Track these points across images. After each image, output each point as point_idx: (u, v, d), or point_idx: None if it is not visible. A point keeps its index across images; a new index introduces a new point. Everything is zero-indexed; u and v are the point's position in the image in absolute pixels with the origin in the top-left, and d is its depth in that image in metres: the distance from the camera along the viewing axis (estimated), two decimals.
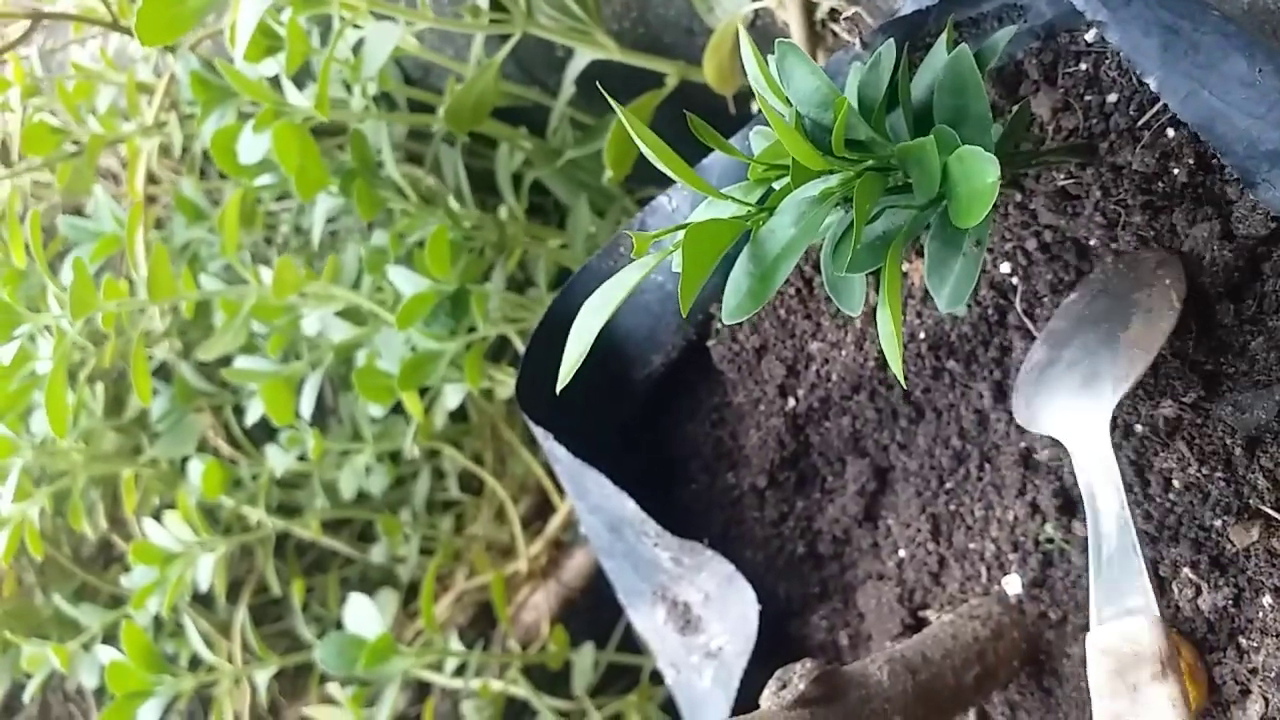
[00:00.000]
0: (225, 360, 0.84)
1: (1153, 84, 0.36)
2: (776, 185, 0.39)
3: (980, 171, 0.32)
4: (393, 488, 0.98)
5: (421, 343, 0.70)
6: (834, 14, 0.64)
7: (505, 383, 0.84)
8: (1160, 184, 0.42)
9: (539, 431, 0.54)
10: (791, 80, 0.37)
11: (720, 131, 0.71)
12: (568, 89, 0.72)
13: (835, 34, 0.65)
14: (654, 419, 0.59)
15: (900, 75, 0.39)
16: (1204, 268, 0.41)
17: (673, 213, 0.52)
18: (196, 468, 0.85)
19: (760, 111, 0.45)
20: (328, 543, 0.97)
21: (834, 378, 0.53)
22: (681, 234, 0.36)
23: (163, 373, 0.97)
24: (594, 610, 0.93)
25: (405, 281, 0.67)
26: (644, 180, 0.80)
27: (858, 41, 0.44)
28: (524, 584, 0.97)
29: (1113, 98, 0.43)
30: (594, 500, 0.54)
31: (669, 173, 0.38)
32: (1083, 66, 0.44)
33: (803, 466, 0.55)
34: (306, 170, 0.68)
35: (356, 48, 0.70)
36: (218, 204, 0.91)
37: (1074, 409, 0.41)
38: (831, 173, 0.37)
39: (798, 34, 0.64)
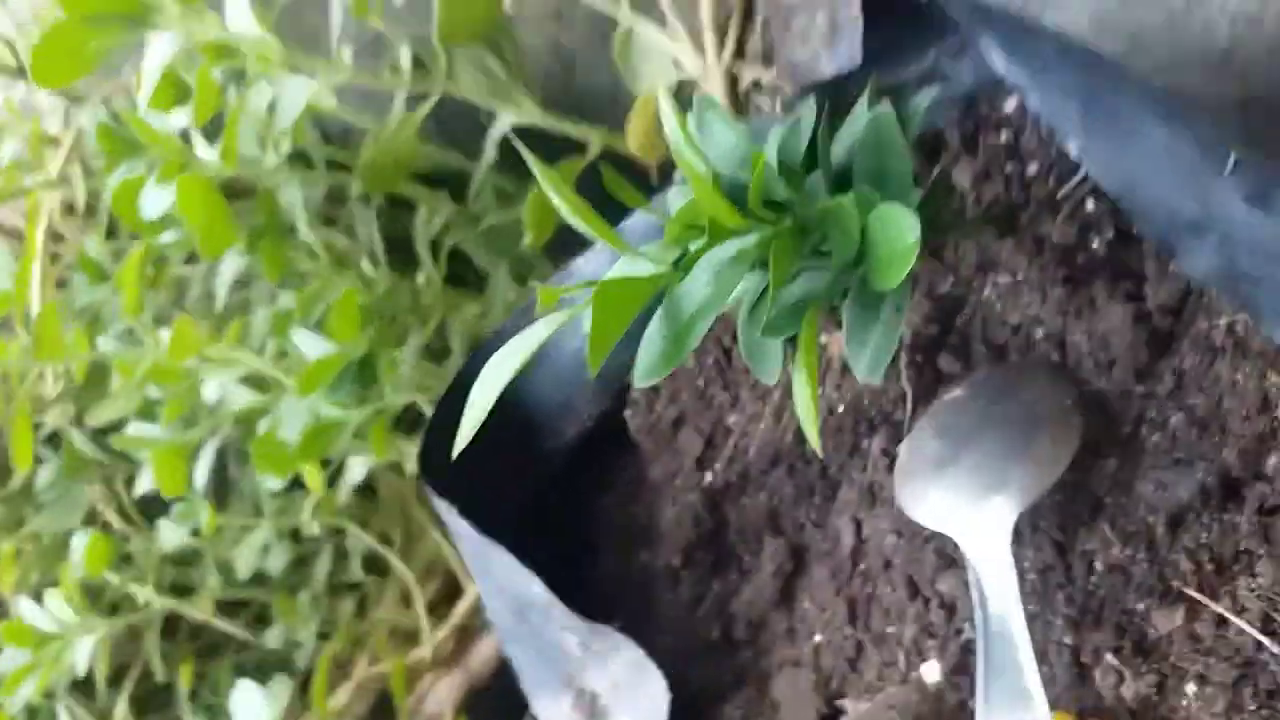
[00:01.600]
0: (120, 427, 0.80)
1: (1073, 150, 0.35)
2: (693, 246, 0.38)
3: (900, 231, 0.31)
4: (293, 567, 0.94)
5: (325, 411, 0.67)
6: (757, 85, 0.63)
7: (415, 455, 0.81)
8: (1080, 256, 0.41)
9: (441, 505, 0.51)
10: (710, 137, 0.36)
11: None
12: (489, 153, 0.71)
13: (759, 107, 0.64)
14: (566, 493, 0.57)
15: (820, 135, 0.38)
16: (1122, 344, 0.40)
17: (593, 275, 0.50)
18: (80, 542, 0.79)
19: (679, 174, 0.43)
20: (221, 625, 0.92)
21: (752, 452, 0.51)
22: (592, 291, 0.34)
23: (55, 441, 0.92)
24: (501, 699, 0.88)
25: (309, 345, 0.64)
26: (567, 249, 0.79)
27: (779, 107, 0.44)
28: (428, 672, 0.92)
29: (1033, 169, 0.43)
30: (499, 581, 0.51)
31: (586, 232, 0.37)
32: (1003, 137, 0.44)
33: (719, 545, 0.53)
34: (213, 228, 0.65)
35: (273, 105, 0.68)
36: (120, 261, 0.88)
37: (975, 514, 0.40)
38: (749, 232, 0.36)
39: (721, 102, 0.64)
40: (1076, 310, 0.41)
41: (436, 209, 0.76)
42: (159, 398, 0.76)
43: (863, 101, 0.38)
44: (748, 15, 0.62)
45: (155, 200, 0.65)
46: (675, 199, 0.41)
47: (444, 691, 0.92)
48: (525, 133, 0.69)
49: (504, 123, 0.68)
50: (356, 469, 0.74)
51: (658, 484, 0.54)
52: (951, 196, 0.44)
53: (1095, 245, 0.41)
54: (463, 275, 0.86)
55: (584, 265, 0.50)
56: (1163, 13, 0.50)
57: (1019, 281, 0.43)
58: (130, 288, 0.69)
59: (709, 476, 0.52)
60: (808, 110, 0.37)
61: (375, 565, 0.99)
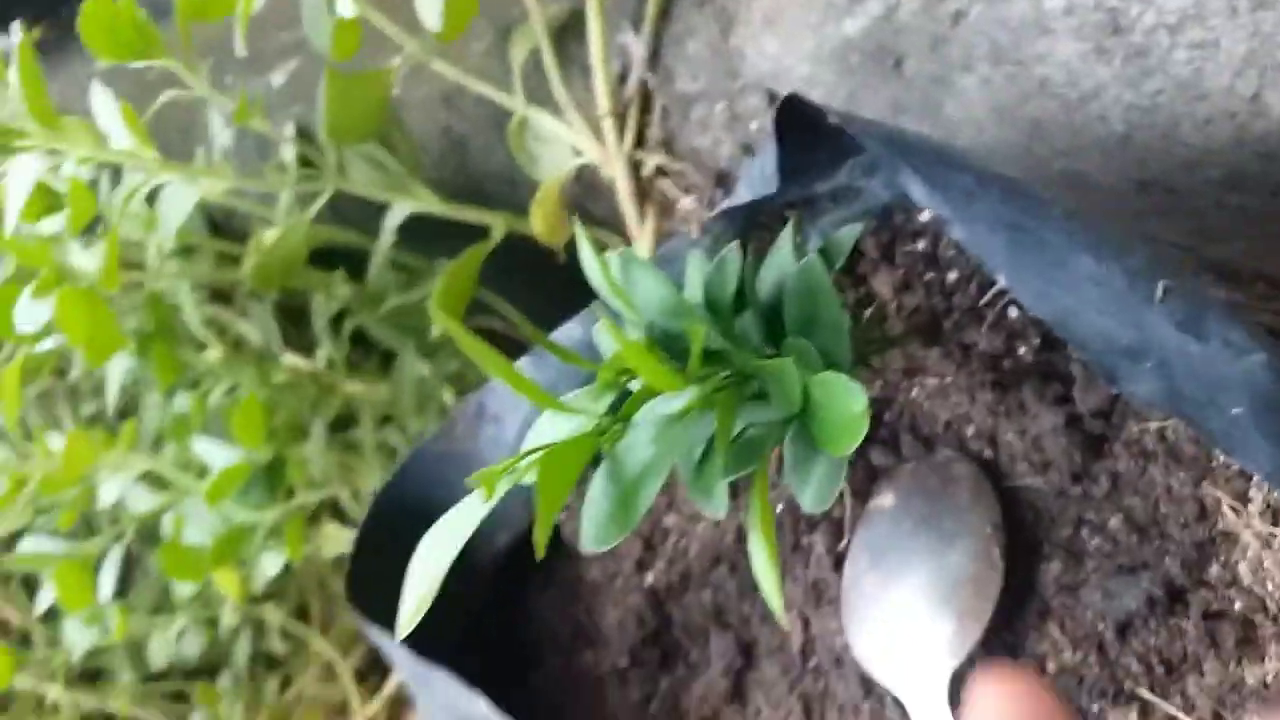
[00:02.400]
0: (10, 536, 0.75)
1: (1002, 280, 0.35)
2: (632, 386, 0.37)
3: (846, 401, 0.31)
4: (210, 647, 0.90)
5: (235, 514, 0.64)
6: (661, 171, 0.63)
7: (331, 538, 0.78)
8: (1006, 361, 0.42)
9: (375, 634, 0.49)
10: (637, 289, 0.36)
11: (555, 289, 0.69)
12: (387, 238, 0.69)
13: (664, 191, 0.64)
14: (504, 599, 0.56)
15: (745, 274, 0.37)
16: (1055, 448, 0.41)
17: (511, 393, 0.49)
18: None
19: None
20: (139, 715, 0.88)
21: (692, 551, 0.51)
22: (532, 459, 0.33)
23: None
24: None
25: (214, 454, 0.62)
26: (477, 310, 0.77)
27: (694, 228, 0.43)
28: None
29: (953, 275, 0.43)
30: (440, 699, 0.50)
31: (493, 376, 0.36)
32: (920, 245, 0.44)
33: (665, 643, 0.52)
34: (97, 338, 0.62)
35: (152, 196, 0.65)
36: None
37: (911, 670, 0.41)
38: (687, 388, 0.35)
39: (624, 188, 0.63)
40: (1006, 412, 0.42)
41: (333, 292, 0.74)
42: (52, 504, 0.72)
43: (785, 237, 0.38)
44: (645, 104, 0.61)
45: (32, 314, 0.61)
46: (603, 336, 0.40)
47: None
48: (424, 218, 0.67)
49: (400, 212, 0.65)
50: (270, 565, 0.71)
51: (597, 584, 0.53)
52: (873, 311, 0.44)
53: (1022, 351, 0.42)
54: (366, 350, 0.84)
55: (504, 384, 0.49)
56: (1058, 103, 0.51)
57: (947, 384, 0.43)
58: (11, 400, 0.65)
59: (650, 577, 0.52)
60: (732, 253, 0.36)
61: (297, 637, 0.96)
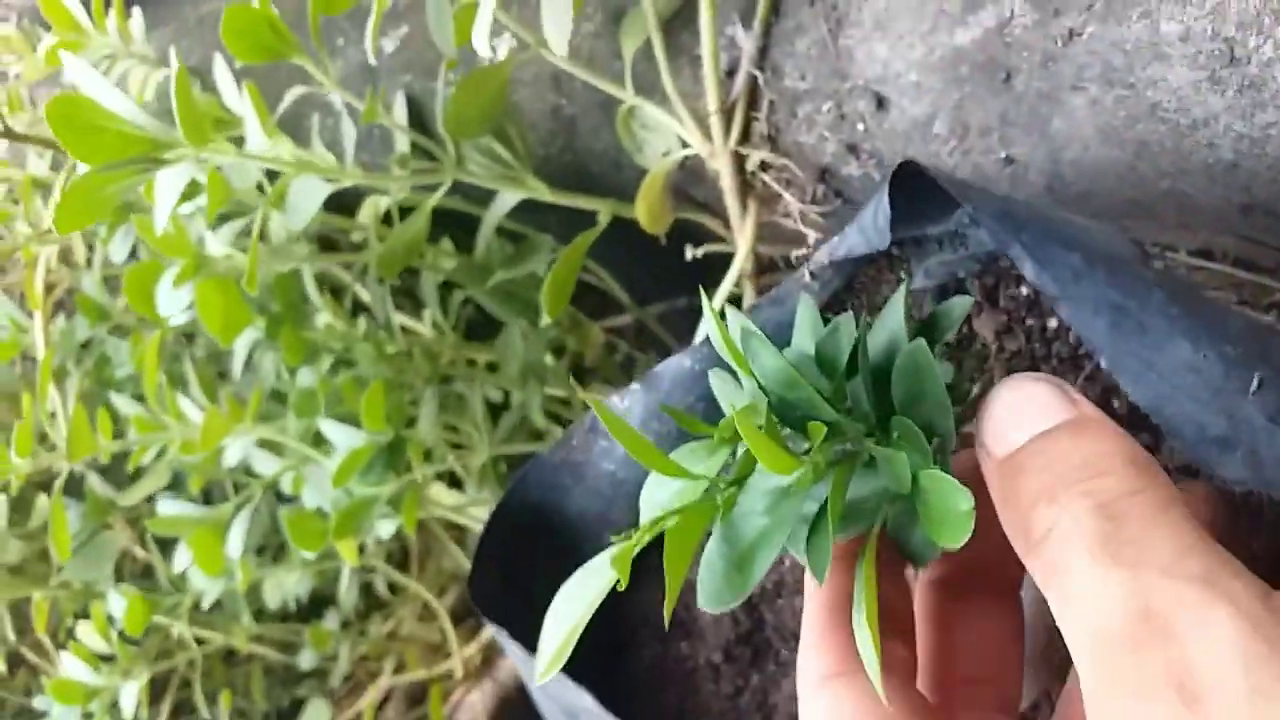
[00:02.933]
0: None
1: (1103, 362, 0.37)
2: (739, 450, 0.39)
3: (954, 499, 0.33)
4: (320, 586, 0.97)
5: (356, 488, 0.69)
6: (764, 165, 0.64)
7: (436, 498, 0.83)
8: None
9: (495, 629, 0.53)
10: (756, 360, 0.38)
11: (655, 265, 0.70)
12: (494, 221, 0.71)
13: (765, 183, 0.65)
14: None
15: (859, 336, 0.39)
16: None
17: (624, 412, 0.52)
18: (118, 602, 0.82)
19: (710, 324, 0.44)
20: (255, 650, 0.95)
21: (787, 561, 0.53)
22: (653, 530, 0.36)
23: (71, 488, 0.93)
24: (532, 710, 0.92)
25: (340, 436, 0.66)
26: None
27: (807, 272, 0.45)
28: (459, 685, 0.96)
29: (1054, 323, 0.45)
30: (551, 692, 0.54)
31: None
32: (1024, 290, 0.45)
33: (758, 641, 0.56)
34: (230, 322, 0.66)
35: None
36: (118, 294, 0.88)
37: None
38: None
39: (728, 183, 0.65)
40: None
41: (439, 265, 0.77)
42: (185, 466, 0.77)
43: (897, 302, 0.39)
44: (752, 98, 0.62)
45: (172, 300, 0.65)
46: (717, 384, 0.42)
47: (476, 703, 0.96)
48: (532, 201, 0.69)
49: (510, 200, 0.68)
50: (385, 530, 0.76)
51: (693, 582, 0.57)
52: (973, 346, 0.46)
53: (1115, 405, 0.43)
54: (472, 321, 0.87)
55: (619, 403, 0.52)
56: (1168, 128, 0.51)
57: None
58: (150, 374, 0.70)
59: None
60: (845, 322, 0.38)
61: (398, 582, 1.02)
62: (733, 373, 0.41)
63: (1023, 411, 0.33)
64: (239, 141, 0.63)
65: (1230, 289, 0.65)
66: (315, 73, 0.60)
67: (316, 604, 0.99)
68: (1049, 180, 0.58)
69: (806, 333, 0.41)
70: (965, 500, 0.32)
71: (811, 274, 0.44)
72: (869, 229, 0.43)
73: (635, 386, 0.50)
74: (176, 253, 0.63)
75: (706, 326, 0.40)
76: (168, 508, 0.74)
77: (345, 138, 0.60)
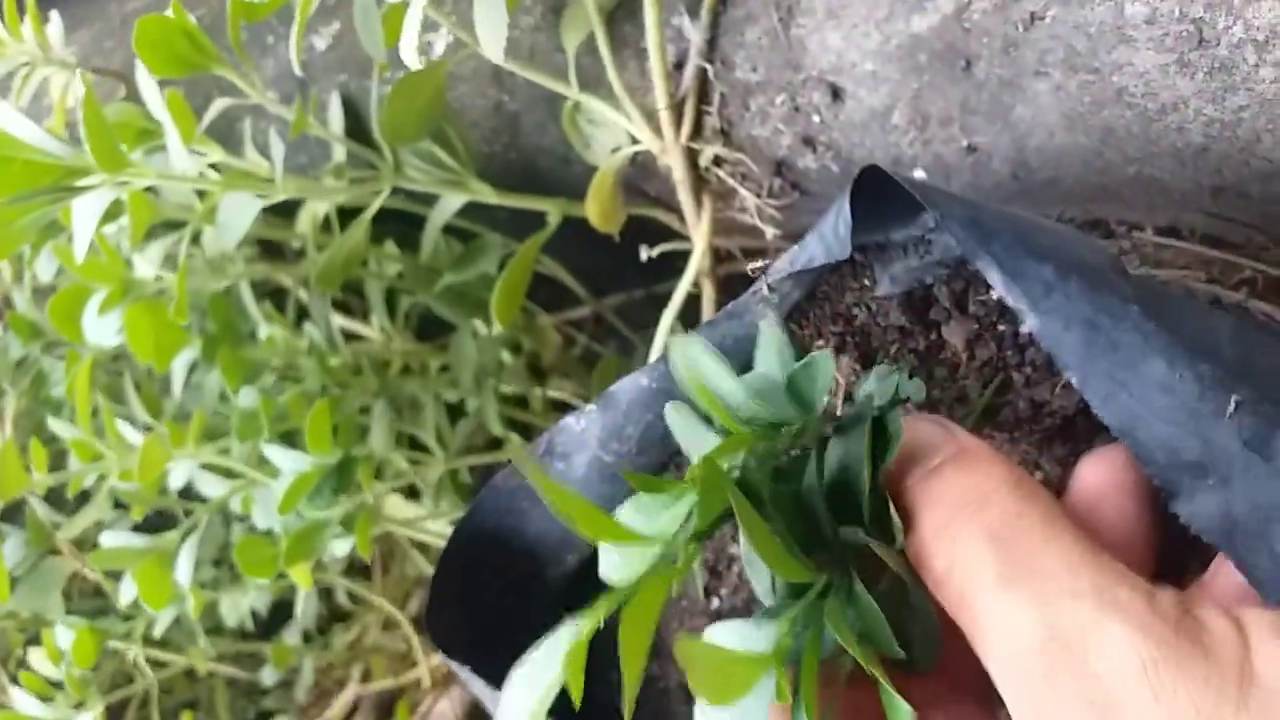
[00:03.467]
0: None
1: (1073, 380, 0.35)
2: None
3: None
4: (279, 600, 0.94)
5: (306, 511, 0.66)
6: (718, 160, 0.62)
7: (393, 508, 0.80)
8: (1080, 419, 0.42)
9: (456, 666, 0.51)
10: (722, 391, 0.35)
11: (610, 255, 0.68)
12: (438, 225, 0.68)
13: (720, 178, 0.63)
14: (572, 613, 0.57)
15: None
16: None
17: (581, 433, 0.49)
18: (66, 635, 0.79)
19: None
20: (217, 669, 0.93)
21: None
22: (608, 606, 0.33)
23: (10, 511, 0.89)
24: None
25: (286, 461, 0.63)
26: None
27: (765, 285, 0.43)
28: (428, 694, 0.94)
29: (1026, 328, 0.43)
30: None
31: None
32: (995, 295, 0.43)
33: None
34: (163, 346, 0.63)
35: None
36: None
37: None
38: None
39: (682, 179, 0.62)
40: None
41: (384, 270, 0.74)
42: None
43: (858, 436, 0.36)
44: (703, 91, 0.60)
45: (100, 327, 0.62)
46: (676, 421, 0.40)
47: (446, 712, 0.94)
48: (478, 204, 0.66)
49: (453, 203, 0.65)
50: (339, 549, 0.73)
51: (666, 605, 0.55)
52: (943, 353, 0.44)
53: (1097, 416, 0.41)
54: (421, 323, 0.84)
55: (574, 424, 0.49)
56: (1135, 113, 0.49)
57: (1014, 439, 0.43)
58: (82, 401, 0.67)
59: (715, 602, 0.53)
60: (822, 357, 0.35)
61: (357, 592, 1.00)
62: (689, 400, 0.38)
63: (912, 453, 0.35)
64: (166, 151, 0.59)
65: (1199, 267, 0.64)
66: (241, 83, 0.57)
67: (278, 615, 0.97)
68: (1013, 168, 0.56)
69: (772, 357, 0.38)
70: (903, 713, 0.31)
71: (770, 287, 0.42)
72: (829, 237, 0.40)
73: (591, 408, 0.48)
74: (101, 278, 0.59)
75: (664, 347, 0.38)
76: (111, 539, 0.71)
77: (275, 151, 0.57)
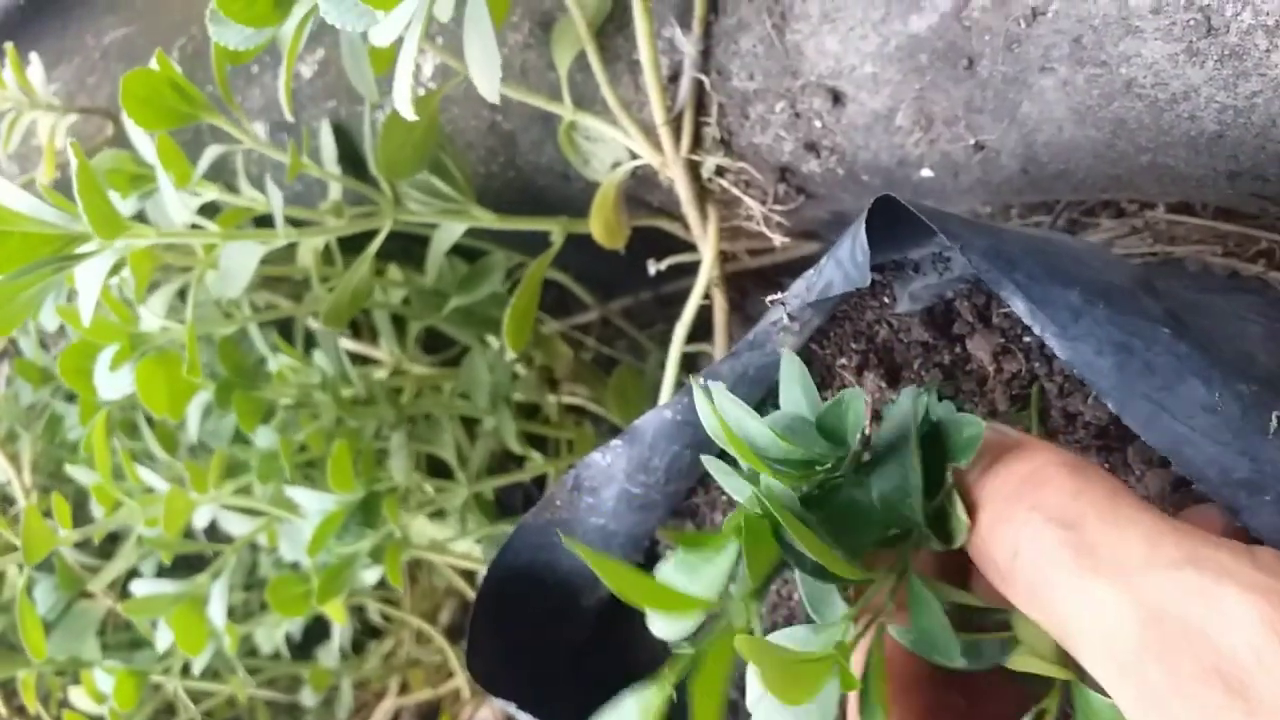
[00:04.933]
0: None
1: (1111, 406, 0.34)
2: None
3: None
4: (313, 624, 0.94)
5: (334, 548, 0.66)
6: (721, 170, 0.61)
7: (419, 531, 0.80)
8: (1114, 428, 0.41)
9: (502, 703, 0.51)
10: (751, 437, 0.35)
11: (615, 258, 0.67)
12: (440, 251, 0.67)
13: (724, 188, 0.62)
14: (605, 640, 0.57)
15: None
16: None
17: (608, 467, 0.49)
18: (106, 680, 0.79)
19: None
20: (256, 695, 0.93)
21: (795, 598, 0.51)
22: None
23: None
24: None
25: (310, 502, 0.63)
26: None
27: (785, 315, 0.42)
28: (467, 703, 0.95)
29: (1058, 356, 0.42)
30: None
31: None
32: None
33: None
34: (175, 395, 0.62)
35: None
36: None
37: None
38: None
39: (685, 192, 0.61)
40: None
41: (389, 295, 0.73)
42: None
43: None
44: (701, 104, 0.59)
45: (112, 382, 0.62)
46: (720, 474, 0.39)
47: (487, 718, 0.94)
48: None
49: (454, 232, 0.64)
50: (370, 577, 0.73)
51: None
52: (969, 367, 0.43)
53: None
54: (434, 335, 0.83)
55: (600, 459, 0.49)
56: (1145, 104, 0.49)
57: None
58: (101, 456, 0.67)
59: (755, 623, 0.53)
60: (853, 394, 0.35)
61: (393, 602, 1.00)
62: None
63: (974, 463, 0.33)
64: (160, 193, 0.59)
65: (1214, 241, 0.63)
66: (233, 131, 0.56)
67: (312, 632, 0.97)
68: (1023, 163, 0.55)
69: (797, 391, 0.38)
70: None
71: (790, 316, 0.42)
72: (847, 264, 0.40)
73: (617, 443, 0.48)
74: (109, 337, 0.59)
75: (686, 382, 0.37)
76: (142, 588, 0.71)
77: (273, 198, 0.56)
